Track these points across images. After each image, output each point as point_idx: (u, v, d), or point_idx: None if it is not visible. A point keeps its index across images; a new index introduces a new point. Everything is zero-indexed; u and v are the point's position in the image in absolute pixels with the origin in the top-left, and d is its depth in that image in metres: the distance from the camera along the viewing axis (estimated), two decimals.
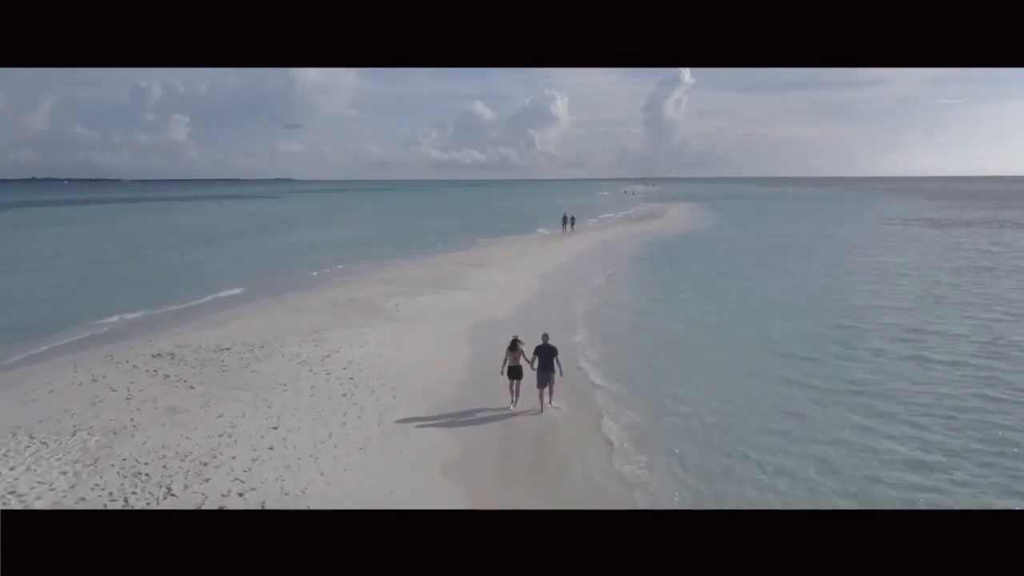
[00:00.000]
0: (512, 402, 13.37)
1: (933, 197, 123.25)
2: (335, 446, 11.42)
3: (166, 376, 14.87)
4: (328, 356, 16.47)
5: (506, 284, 27.38)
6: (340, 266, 34.22)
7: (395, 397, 13.86)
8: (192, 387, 14.22)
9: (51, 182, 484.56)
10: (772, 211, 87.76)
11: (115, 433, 11.62)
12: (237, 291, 27.01)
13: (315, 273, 32.03)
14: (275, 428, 12.08)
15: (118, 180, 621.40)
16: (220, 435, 11.69)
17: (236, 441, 11.46)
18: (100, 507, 9.15)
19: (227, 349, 16.98)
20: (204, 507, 9.14)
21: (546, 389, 13.25)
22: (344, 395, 13.89)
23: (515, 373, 13.30)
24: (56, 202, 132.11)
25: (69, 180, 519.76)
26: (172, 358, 16.21)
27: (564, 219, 53.96)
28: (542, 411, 13.16)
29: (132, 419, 12.29)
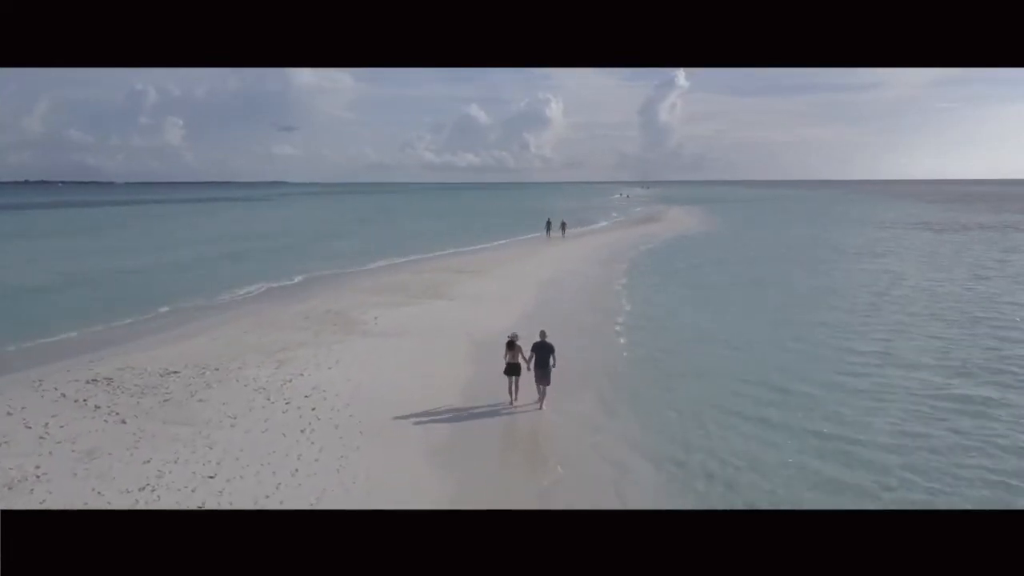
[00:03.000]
0: (512, 400, 13.29)
1: (934, 200, 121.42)
2: (281, 502, 9.35)
3: (96, 408, 12.74)
4: (290, 380, 14.37)
5: (499, 293, 25.18)
6: (321, 272, 32.05)
7: (361, 433, 11.79)
8: (124, 421, 12.11)
9: (44, 184, 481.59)
10: (770, 214, 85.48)
11: (10, 488, 9.50)
12: (201, 302, 24.69)
13: (292, 280, 29.86)
14: (212, 478, 9.98)
15: (112, 183, 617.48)
16: (141, 488, 9.59)
17: (159, 497, 9.36)
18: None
19: (175, 372, 14.85)
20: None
21: (543, 386, 13.17)
22: (302, 431, 11.81)
23: (513, 370, 13.30)
24: (46, 204, 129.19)
25: (63, 183, 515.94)
26: (109, 384, 14.07)
27: (548, 225, 50.29)
28: (540, 407, 13.05)
29: (38, 467, 10.16)
